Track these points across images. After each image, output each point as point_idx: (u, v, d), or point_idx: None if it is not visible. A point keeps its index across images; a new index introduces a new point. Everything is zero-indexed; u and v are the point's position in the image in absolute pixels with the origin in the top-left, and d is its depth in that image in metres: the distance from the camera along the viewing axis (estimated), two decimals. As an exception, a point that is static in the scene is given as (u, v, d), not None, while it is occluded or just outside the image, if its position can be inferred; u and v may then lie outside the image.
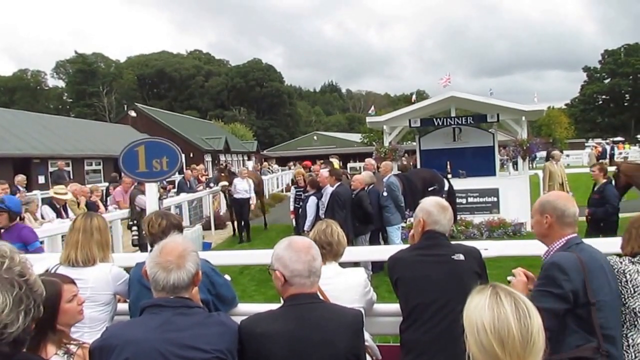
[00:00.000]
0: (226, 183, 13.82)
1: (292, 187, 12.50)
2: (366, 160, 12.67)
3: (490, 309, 1.58)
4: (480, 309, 1.61)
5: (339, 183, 8.92)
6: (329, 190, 9.06)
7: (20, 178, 13.60)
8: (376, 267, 8.39)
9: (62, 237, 7.79)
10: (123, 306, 3.46)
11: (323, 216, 8.56)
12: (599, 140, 52.47)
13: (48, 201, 9.80)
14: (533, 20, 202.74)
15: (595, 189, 8.28)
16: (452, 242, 3.14)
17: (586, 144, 53.79)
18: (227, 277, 3.34)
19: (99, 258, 3.32)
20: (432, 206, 3.11)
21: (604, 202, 7.91)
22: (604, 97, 75.85)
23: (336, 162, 13.10)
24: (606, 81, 75.16)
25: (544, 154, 17.18)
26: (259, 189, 15.59)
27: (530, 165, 16.20)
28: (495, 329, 1.55)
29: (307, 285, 2.35)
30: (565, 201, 2.79)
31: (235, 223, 13.96)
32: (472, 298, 1.68)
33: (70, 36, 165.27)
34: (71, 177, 20.83)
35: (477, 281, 2.93)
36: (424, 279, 2.94)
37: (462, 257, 2.95)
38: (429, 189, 10.23)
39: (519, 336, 1.53)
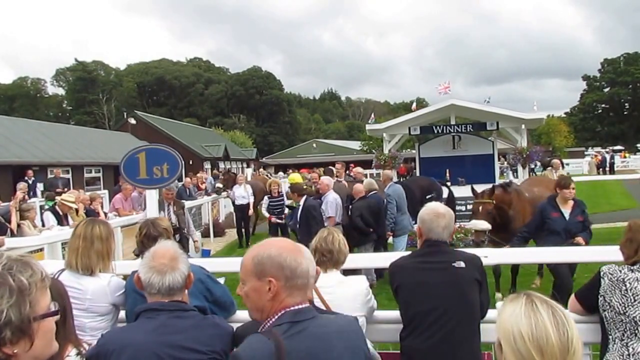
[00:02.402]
0: (220, 185, 13.96)
1: (266, 197, 12.51)
2: (354, 170, 12.51)
3: (527, 317, 1.55)
4: (516, 317, 1.57)
5: (305, 197, 8.81)
6: (329, 197, 9.06)
7: (22, 186, 13.59)
8: (376, 275, 8.36)
9: (62, 244, 7.79)
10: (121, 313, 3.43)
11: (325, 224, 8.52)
12: (598, 149, 52.60)
13: (51, 207, 9.78)
14: (531, 29, 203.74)
15: (573, 209, 6.43)
16: (454, 249, 3.14)
17: (586, 153, 53.89)
18: (218, 278, 3.36)
19: (98, 268, 3.26)
20: (426, 214, 3.12)
21: (587, 226, 6.45)
22: (603, 105, 75.97)
23: (335, 169, 12.90)
24: (606, 90, 75.27)
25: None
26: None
27: (530, 173, 16.21)
28: (533, 337, 1.51)
29: None
30: (295, 254, 1.93)
31: (237, 229, 13.97)
32: (505, 306, 1.64)
33: (70, 44, 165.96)
34: (71, 185, 20.80)
35: (477, 289, 2.93)
36: (424, 286, 2.94)
37: (462, 264, 2.94)
38: (427, 197, 10.23)
39: (558, 344, 1.50)
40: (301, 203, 8.86)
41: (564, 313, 1.57)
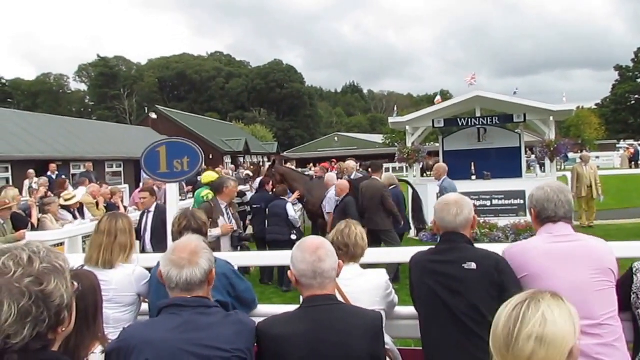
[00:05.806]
0: (250, 173, 14.47)
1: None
2: (346, 164, 12.06)
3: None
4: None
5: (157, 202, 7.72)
6: (330, 193, 8.96)
7: (43, 181, 13.71)
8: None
9: (83, 238, 7.83)
10: (144, 306, 3.46)
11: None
12: (631, 141, 51.08)
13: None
14: (557, 18, 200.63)
15: None
16: (471, 247, 2.86)
17: (618, 146, 52.41)
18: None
19: (119, 260, 3.30)
20: (438, 204, 2.95)
21: None
22: (636, 96, 73.64)
23: (353, 164, 12.54)
24: (639, 80, 73.16)
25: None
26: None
27: (559, 166, 15.85)
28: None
29: (314, 287, 2.30)
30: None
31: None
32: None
33: (91, 40, 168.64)
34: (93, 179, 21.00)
35: (492, 291, 2.67)
36: (430, 287, 2.79)
37: (473, 265, 2.71)
38: None
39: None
40: (152, 209, 7.51)
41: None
